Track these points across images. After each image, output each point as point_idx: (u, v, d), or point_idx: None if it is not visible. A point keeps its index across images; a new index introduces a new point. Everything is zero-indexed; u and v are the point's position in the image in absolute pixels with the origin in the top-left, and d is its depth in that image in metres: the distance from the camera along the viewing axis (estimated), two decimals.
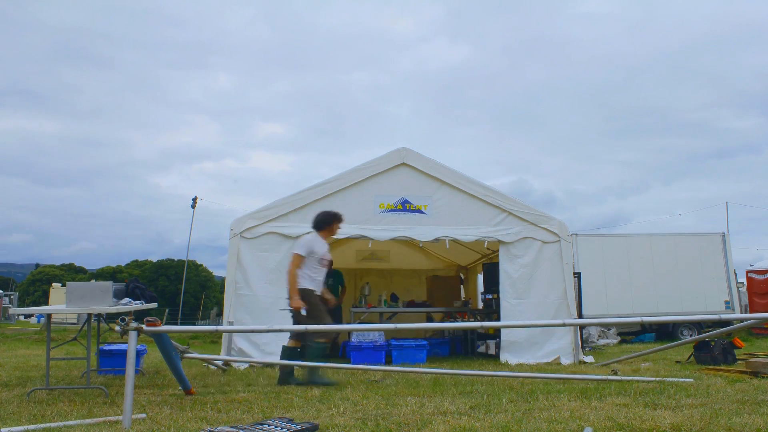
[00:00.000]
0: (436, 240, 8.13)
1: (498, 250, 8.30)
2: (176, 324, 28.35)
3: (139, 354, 6.56)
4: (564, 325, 7.17)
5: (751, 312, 14.76)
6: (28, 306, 36.75)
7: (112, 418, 3.86)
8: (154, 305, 6.37)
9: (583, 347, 8.64)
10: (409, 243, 10.51)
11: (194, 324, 34.62)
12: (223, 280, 9.97)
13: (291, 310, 5.73)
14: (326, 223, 6.04)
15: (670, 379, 5.38)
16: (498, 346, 8.14)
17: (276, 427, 3.38)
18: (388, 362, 7.78)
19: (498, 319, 8.37)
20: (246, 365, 7.22)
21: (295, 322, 5.66)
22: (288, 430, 3.30)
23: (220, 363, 6.92)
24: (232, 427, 3.46)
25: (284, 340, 7.41)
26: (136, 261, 60.79)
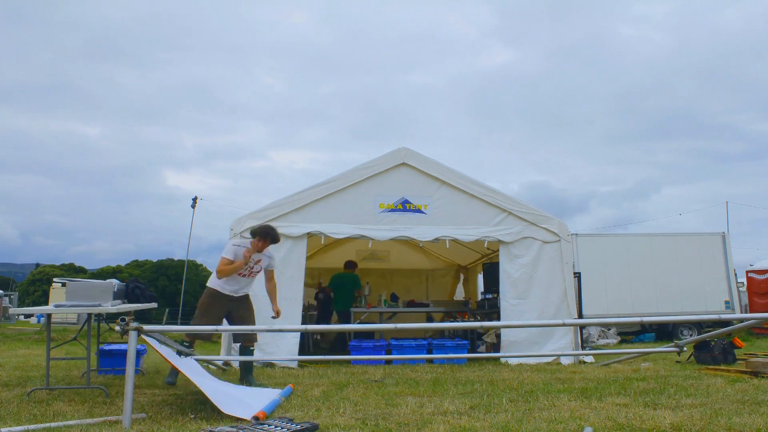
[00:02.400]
0: (436, 240, 8.13)
1: (498, 250, 8.30)
2: (176, 324, 28.35)
3: (139, 354, 6.56)
4: (564, 325, 7.17)
5: (751, 312, 14.75)
6: (28, 306, 36.75)
7: (112, 418, 3.86)
8: (154, 305, 6.37)
9: (583, 347, 8.64)
10: (409, 243, 10.52)
11: None
12: None
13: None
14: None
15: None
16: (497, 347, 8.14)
17: (276, 426, 3.39)
18: (388, 362, 7.77)
19: (498, 319, 8.37)
20: None
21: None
22: (288, 429, 3.31)
23: (220, 363, 6.92)
24: (231, 426, 3.46)
25: (284, 339, 7.44)
26: (136, 261, 60.71)
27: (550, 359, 7.68)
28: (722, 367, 6.57)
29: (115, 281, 5.84)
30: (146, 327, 4.06)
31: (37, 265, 68.02)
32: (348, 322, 9.35)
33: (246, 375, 5.83)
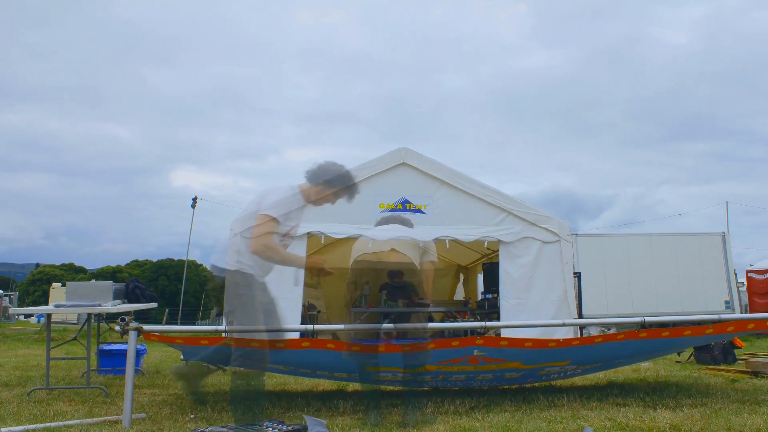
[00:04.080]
0: (436, 240, 8.13)
1: (498, 250, 8.30)
2: (176, 324, 28.34)
3: (139, 354, 6.56)
4: (564, 325, 7.17)
5: (751, 312, 14.76)
6: (28, 306, 36.74)
7: (112, 418, 3.86)
8: (154, 305, 6.36)
9: None
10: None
11: (194, 324, 34.62)
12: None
13: None
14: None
15: None
16: None
17: (267, 427, 3.39)
18: None
19: (498, 319, 8.37)
20: None
21: None
22: (279, 430, 3.30)
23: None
24: (222, 427, 3.46)
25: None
26: (136, 261, 60.76)
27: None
28: (722, 367, 6.58)
29: (110, 283, 5.81)
30: (146, 327, 4.06)
31: (37, 265, 68.02)
32: None
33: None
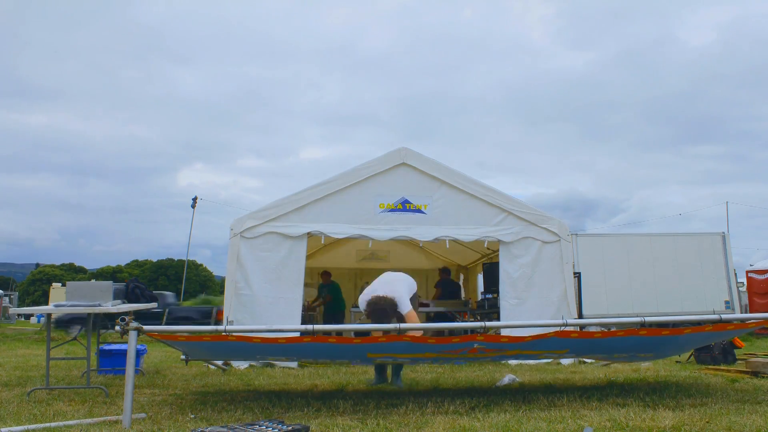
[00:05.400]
0: (436, 240, 8.13)
1: (498, 250, 8.30)
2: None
3: (139, 354, 6.56)
4: (564, 324, 7.16)
5: (751, 312, 14.75)
6: (28, 306, 36.69)
7: (112, 418, 3.86)
8: (154, 305, 6.37)
9: None
10: (409, 243, 10.51)
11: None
12: (223, 280, 10.00)
13: None
14: None
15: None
16: None
17: (267, 427, 3.39)
18: None
19: (498, 319, 8.36)
20: (246, 365, 7.23)
21: None
22: (279, 431, 3.30)
23: (220, 363, 6.92)
24: (222, 427, 3.46)
25: None
26: (136, 261, 60.79)
27: (550, 359, 7.68)
28: (722, 367, 6.58)
29: (110, 283, 5.81)
30: (146, 327, 4.05)
31: (37, 265, 67.99)
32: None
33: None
